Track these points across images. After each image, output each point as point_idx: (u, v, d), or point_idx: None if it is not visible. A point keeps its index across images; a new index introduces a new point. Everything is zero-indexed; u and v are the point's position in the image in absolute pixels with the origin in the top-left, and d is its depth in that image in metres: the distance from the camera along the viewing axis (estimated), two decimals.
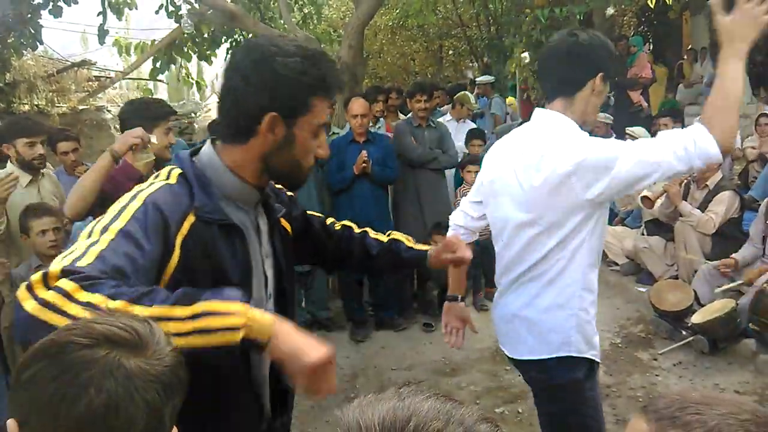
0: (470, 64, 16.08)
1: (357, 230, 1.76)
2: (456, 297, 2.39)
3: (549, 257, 1.91)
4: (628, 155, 1.75)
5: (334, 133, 5.27)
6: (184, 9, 7.86)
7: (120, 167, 2.74)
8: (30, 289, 1.00)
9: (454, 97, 6.58)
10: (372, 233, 1.76)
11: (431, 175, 4.98)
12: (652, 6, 6.91)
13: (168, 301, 1.03)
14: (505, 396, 3.80)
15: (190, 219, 1.25)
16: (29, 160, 3.40)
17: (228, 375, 1.31)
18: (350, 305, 4.92)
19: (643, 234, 5.30)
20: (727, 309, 3.89)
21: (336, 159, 4.63)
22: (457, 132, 6.09)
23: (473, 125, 6.50)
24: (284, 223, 1.54)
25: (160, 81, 9.65)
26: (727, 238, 4.58)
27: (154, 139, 2.70)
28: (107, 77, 9.50)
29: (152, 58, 8.27)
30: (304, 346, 1.09)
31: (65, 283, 1.00)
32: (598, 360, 2.01)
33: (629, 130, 6.20)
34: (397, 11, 12.80)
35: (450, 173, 5.46)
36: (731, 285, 4.24)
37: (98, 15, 7.43)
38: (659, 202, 4.91)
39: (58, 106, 8.16)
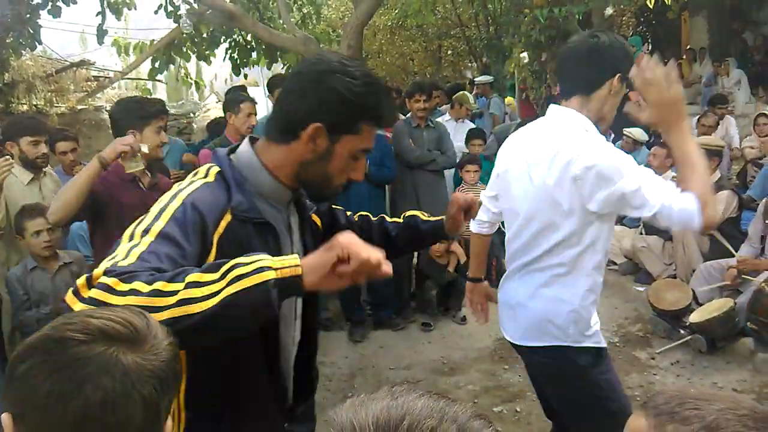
0: (469, 64, 16.08)
1: (373, 218, 1.81)
2: (479, 278, 2.50)
3: (554, 252, 1.97)
4: (632, 178, 1.80)
5: None
6: (183, 9, 7.85)
7: (113, 168, 2.72)
8: (76, 293, 1.06)
9: (453, 97, 6.58)
10: (387, 218, 1.81)
11: (429, 175, 4.98)
12: (650, 6, 6.91)
13: (199, 271, 1.08)
14: (504, 395, 3.80)
15: (227, 218, 1.28)
16: (32, 158, 3.42)
17: (252, 361, 1.35)
18: (348, 305, 4.92)
19: (641, 233, 5.30)
20: (726, 308, 3.90)
21: None
22: (456, 132, 6.09)
23: (472, 125, 6.50)
24: (315, 218, 1.59)
25: (158, 81, 9.64)
26: (726, 237, 4.59)
27: (144, 148, 2.65)
28: (106, 77, 9.49)
29: (151, 58, 8.26)
30: (327, 255, 1.11)
31: (106, 279, 1.05)
32: (602, 346, 2.04)
33: (627, 131, 6.20)
34: (396, 11, 12.80)
35: (449, 173, 5.47)
36: (716, 285, 4.27)
37: (97, 15, 7.43)
38: None
39: (56, 106, 8.15)
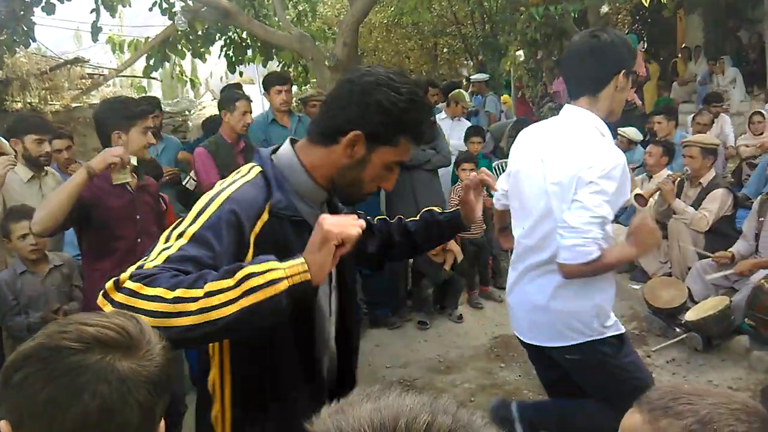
0: (465, 62, 16.08)
1: (390, 220, 1.87)
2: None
3: None
4: (599, 194, 1.89)
5: None
6: (178, 6, 7.82)
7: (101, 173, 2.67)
8: (105, 295, 1.16)
9: (449, 95, 6.57)
10: (403, 219, 1.87)
11: (425, 174, 4.98)
12: (646, 4, 6.92)
13: (216, 278, 1.15)
14: (500, 393, 3.79)
15: (264, 218, 1.35)
16: (36, 156, 3.41)
17: (292, 357, 1.42)
18: None
19: None
20: (721, 306, 3.91)
21: None
22: (452, 130, 6.09)
23: (468, 123, 6.50)
24: None
25: (153, 78, 9.61)
26: (721, 235, 4.60)
27: (133, 160, 2.60)
28: (101, 75, 9.44)
29: (146, 55, 8.23)
30: (326, 249, 1.21)
31: (130, 284, 1.14)
32: (622, 331, 2.15)
33: (621, 130, 6.21)
34: (392, 9, 12.78)
35: (447, 171, 5.47)
36: (722, 273, 4.26)
37: (91, 12, 7.39)
38: (653, 200, 4.92)
39: (51, 104, 8.11)
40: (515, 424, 2.41)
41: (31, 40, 7.27)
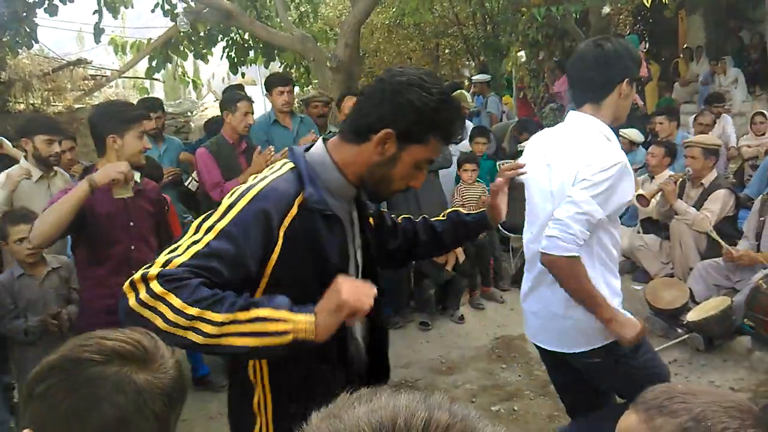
0: (466, 63, 16.07)
1: (415, 219, 1.91)
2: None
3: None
4: (579, 192, 1.92)
5: (329, 131, 5.27)
6: (180, 7, 7.84)
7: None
8: (133, 285, 1.24)
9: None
10: (428, 218, 1.91)
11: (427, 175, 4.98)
12: (647, 5, 6.92)
13: (233, 309, 1.23)
14: (501, 394, 3.80)
15: (293, 212, 1.39)
16: (45, 156, 3.43)
17: (325, 354, 1.44)
18: None
19: (638, 232, 5.31)
20: (722, 306, 3.91)
21: None
22: None
23: (470, 124, 6.51)
24: (370, 219, 1.70)
25: (156, 80, 9.62)
26: (723, 236, 4.59)
27: (137, 176, 2.59)
28: (103, 76, 9.46)
29: (148, 56, 8.25)
30: (337, 316, 1.27)
31: (156, 286, 1.22)
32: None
33: (623, 132, 6.21)
34: (394, 10, 12.77)
35: (449, 172, 5.47)
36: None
37: (94, 13, 7.41)
38: (655, 200, 4.92)
39: (53, 105, 8.13)
40: None
41: (33, 42, 7.30)
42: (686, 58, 11.07)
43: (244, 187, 1.40)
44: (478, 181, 5.45)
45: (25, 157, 3.54)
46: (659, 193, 4.83)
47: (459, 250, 4.86)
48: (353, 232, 1.58)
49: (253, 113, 4.15)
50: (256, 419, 1.51)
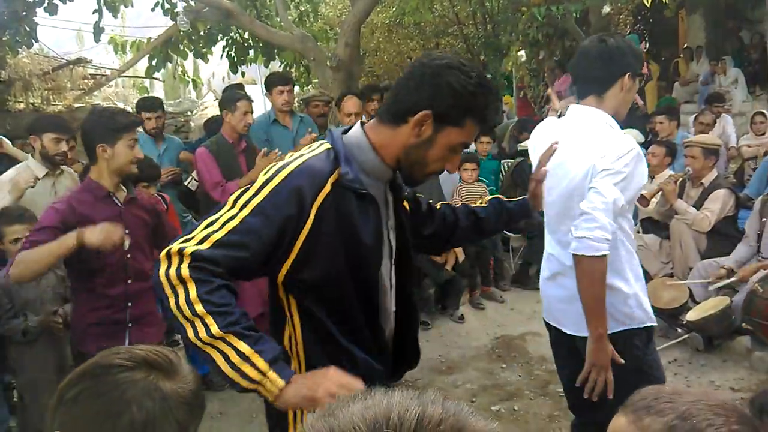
0: None
1: (456, 205, 1.93)
2: None
3: None
4: (601, 181, 1.95)
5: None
6: (180, 6, 7.84)
7: (85, 184, 2.62)
8: (168, 256, 1.31)
9: None
10: (469, 205, 1.93)
11: None
12: (647, 4, 6.91)
13: (229, 329, 1.28)
14: (501, 394, 3.80)
15: (326, 189, 1.42)
16: (52, 154, 3.45)
17: (358, 324, 1.51)
18: None
19: (638, 232, 5.30)
20: (722, 306, 3.91)
21: None
22: None
23: None
24: (404, 203, 1.71)
25: (156, 79, 9.64)
26: (723, 236, 4.59)
27: (126, 243, 2.47)
28: (103, 75, 9.46)
29: (148, 55, 8.24)
30: (309, 400, 1.29)
31: (185, 269, 1.29)
32: (654, 324, 2.20)
33: (623, 132, 6.19)
34: (394, 9, 12.76)
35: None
36: (725, 282, 4.25)
37: (94, 12, 7.41)
38: (655, 200, 4.92)
39: (53, 104, 8.14)
40: None
41: (33, 41, 7.30)
42: (686, 57, 11.07)
43: (280, 163, 1.45)
44: (478, 181, 5.45)
45: (32, 155, 3.57)
46: (659, 193, 4.83)
47: (459, 250, 4.86)
48: (387, 213, 1.59)
49: (252, 113, 4.15)
50: None
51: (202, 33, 8.07)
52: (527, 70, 11.36)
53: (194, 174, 4.53)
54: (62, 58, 9.31)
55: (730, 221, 4.70)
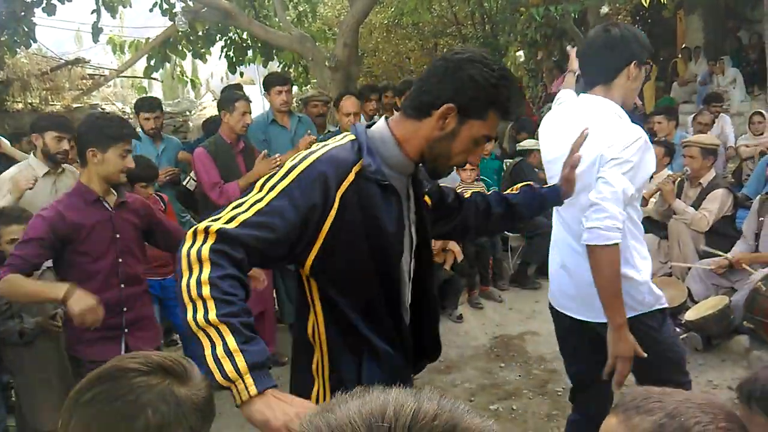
0: None
1: (485, 194, 1.95)
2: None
3: None
4: (610, 170, 1.96)
5: (327, 131, 5.27)
6: (179, 7, 7.84)
7: (75, 188, 2.61)
8: (195, 234, 1.33)
9: None
10: (500, 192, 1.96)
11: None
12: (646, 5, 6.92)
13: (224, 319, 1.24)
14: (500, 393, 3.81)
15: (350, 178, 1.44)
16: (54, 153, 3.49)
17: (379, 313, 1.52)
18: None
19: None
20: (720, 306, 3.91)
21: None
22: None
23: None
24: (426, 197, 1.73)
25: (154, 79, 9.62)
26: (721, 235, 4.60)
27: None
28: (101, 75, 9.47)
29: (146, 56, 8.24)
30: (271, 417, 1.20)
31: (206, 249, 1.29)
32: (666, 305, 2.25)
33: None
34: (392, 9, 12.78)
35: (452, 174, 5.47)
36: (714, 253, 4.29)
37: (92, 13, 7.41)
38: (653, 200, 4.93)
39: (51, 104, 8.14)
40: None
41: (32, 41, 7.30)
42: (684, 58, 11.09)
43: (305, 152, 1.47)
44: (479, 181, 5.45)
45: (34, 153, 3.60)
46: (658, 193, 4.84)
47: (457, 250, 4.86)
48: (409, 206, 1.61)
49: (250, 113, 4.14)
50: (314, 382, 1.56)
51: (200, 33, 8.08)
52: (525, 70, 11.39)
53: (192, 174, 4.52)
54: (61, 59, 9.32)
55: (729, 221, 4.71)
